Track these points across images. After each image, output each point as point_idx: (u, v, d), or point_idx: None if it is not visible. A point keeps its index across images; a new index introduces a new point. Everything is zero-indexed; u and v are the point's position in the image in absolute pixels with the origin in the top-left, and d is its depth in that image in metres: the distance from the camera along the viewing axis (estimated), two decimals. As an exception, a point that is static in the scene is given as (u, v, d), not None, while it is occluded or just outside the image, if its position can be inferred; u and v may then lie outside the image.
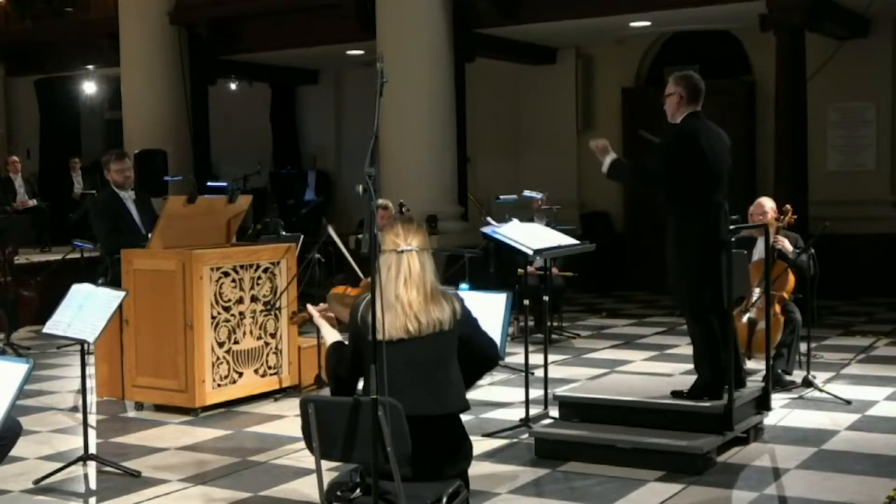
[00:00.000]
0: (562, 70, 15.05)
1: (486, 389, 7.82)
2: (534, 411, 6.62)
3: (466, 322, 3.98)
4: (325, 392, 6.94)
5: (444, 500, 3.74)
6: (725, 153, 5.93)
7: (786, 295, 7.68)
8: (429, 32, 12.25)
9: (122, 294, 5.93)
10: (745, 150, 13.09)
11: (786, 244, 7.65)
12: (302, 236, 8.60)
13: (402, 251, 3.91)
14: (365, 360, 3.83)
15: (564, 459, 5.84)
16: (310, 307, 4.46)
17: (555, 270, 9.64)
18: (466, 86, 13.40)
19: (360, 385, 3.98)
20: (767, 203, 7.85)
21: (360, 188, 3.65)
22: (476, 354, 4.05)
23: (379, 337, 3.60)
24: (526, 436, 6.32)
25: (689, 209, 5.80)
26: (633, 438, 5.77)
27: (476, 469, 5.59)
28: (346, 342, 4.07)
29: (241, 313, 7.45)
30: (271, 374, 7.68)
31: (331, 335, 4.21)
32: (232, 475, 5.80)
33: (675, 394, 6.01)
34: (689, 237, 5.78)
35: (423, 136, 12.24)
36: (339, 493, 3.83)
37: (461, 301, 3.99)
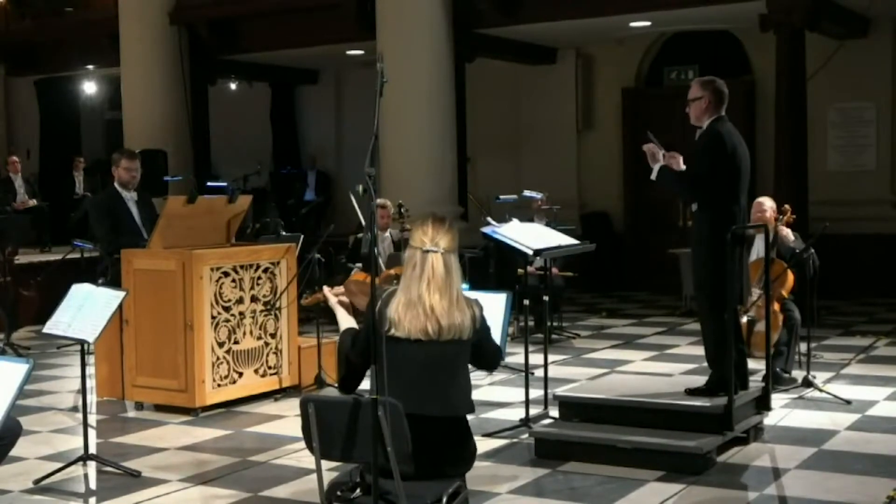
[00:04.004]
0: (562, 70, 15.05)
1: (486, 389, 7.81)
2: (534, 411, 6.62)
3: (482, 329, 3.99)
4: (325, 392, 6.95)
5: (444, 499, 3.75)
6: (748, 155, 6.04)
7: (785, 294, 7.69)
8: (429, 32, 12.25)
9: (122, 294, 5.93)
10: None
11: (787, 233, 7.67)
12: (302, 236, 8.60)
13: (427, 251, 3.88)
14: (373, 355, 3.84)
15: (564, 459, 5.84)
16: (326, 289, 4.40)
17: (555, 270, 9.64)
18: (466, 86, 13.40)
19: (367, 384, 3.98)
20: (767, 202, 7.86)
21: (360, 188, 3.64)
22: (480, 361, 4.07)
23: (384, 333, 3.60)
24: (526, 436, 6.32)
25: (720, 211, 5.88)
26: (633, 438, 5.77)
27: (476, 469, 5.56)
28: (357, 330, 4.05)
29: (241, 313, 7.45)
30: (271, 374, 7.68)
31: (345, 320, 4.17)
32: (232, 475, 5.80)
33: (691, 391, 6.01)
34: (719, 237, 5.81)
35: (423, 136, 12.23)
36: (339, 492, 3.83)
37: (481, 308, 3.98)
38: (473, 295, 4.18)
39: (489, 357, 4.11)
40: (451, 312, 3.85)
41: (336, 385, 4.01)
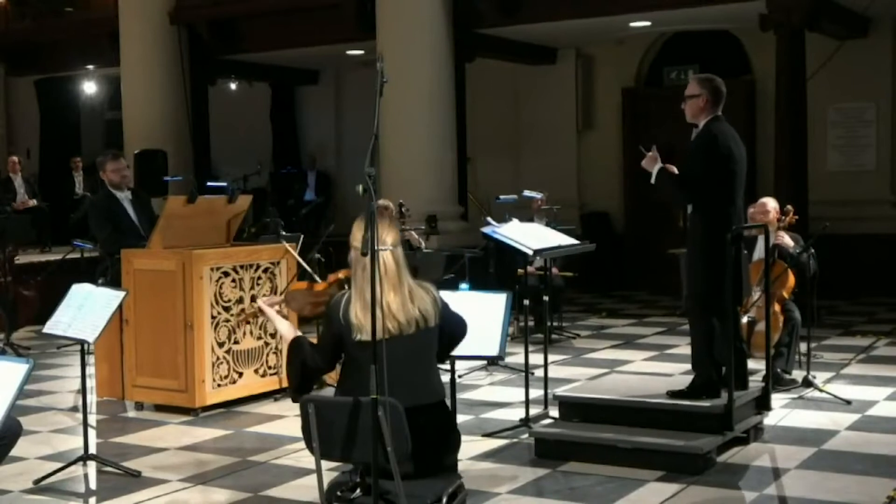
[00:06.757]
0: (562, 70, 15.06)
1: (486, 389, 7.82)
2: (534, 411, 6.62)
3: (443, 310, 4.01)
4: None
5: (444, 499, 3.75)
6: (745, 156, 6.00)
7: (785, 294, 7.69)
8: (429, 32, 12.25)
9: (122, 294, 5.93)
10: (745, 150, 13.08)
11: (786, 239, 7.66)
12: (302, 236, 8.60)
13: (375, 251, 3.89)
14: (348, 359, 3.88)
15: (564, 459, 5.84)
16: (259, 301, 4.44)
17: (555, 270, 9.65)
18: (466, 86, 13.40)
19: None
20: (770, 203, 7.84)
21: (360, 188, 3.64)
22: (452, 337, 4.10)
23: (376, 336, 3.60)
24: (526, 436, 6.31)
25: (715, 212, 5.84)
26: (633, 438, 5.77)
27: (476, 469, 5.59)
28: (305, 337, 4.09)
29: (241, 313, 7.44)
30: (271, 374, 7.68)
31: (287, 329, 4.19)
32: (232, 475, 5.80)
33: (673, 394, 6.01)
34: (717, 237, 5.79)
35: (423, 136, 12.23)
36: (339, 493, 3.83)
37: (436, 289, 4.01)
38: (473, 295, 4.19)
39: (459, 329, 4.11)
40: (405, 307, 3.87)
41: (319, 387, 3.98)
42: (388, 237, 3.91)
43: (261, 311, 4.42)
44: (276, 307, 4.44)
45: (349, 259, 3.97)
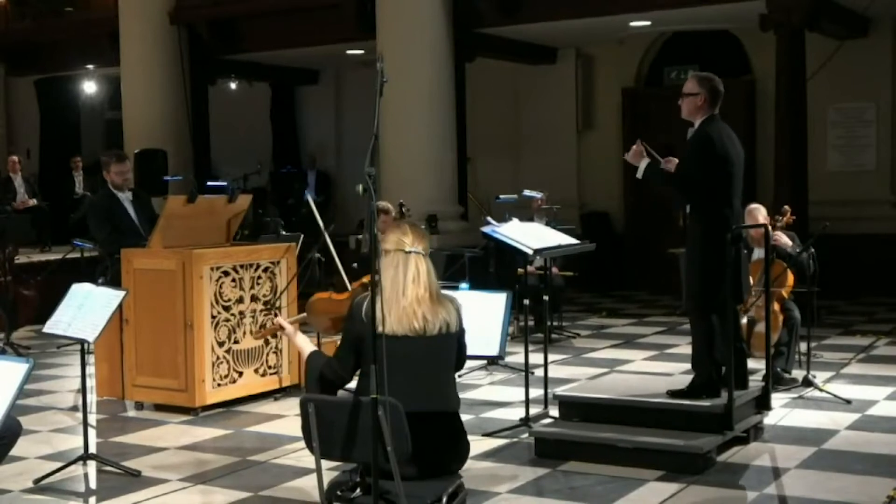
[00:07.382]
0: (562, 70, 15.06)
1: (486, 389, 7.82)
2: (534, 411, 6.62)
3: (462, 327, 4.05)
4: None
5: (444, 499, 3.75)
6: (742, 155, 6.00)
7: (785, 294, 7.69)
8: (429, 32, 12.25)
9: (121, 294, 5.93)
10: (745, 150, 13.01)
11: (784, 239, 7.66)
12: (302, 236, 8.60)
13: (409, 252, 3.95)
14: (367, 357, 3.86)
15: (564, 459, 5.84)
16: (278, 318, 4.49)
17: (555, 270, 9.65)
18: (466, 86, 13.41)
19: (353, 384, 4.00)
20: (761, 211, 7.81)
21: (360, 188, 3.65)
22: (457, 362, 4.12)
23: (385, 332, 3.62)
24: (526, 435, 6.32)
25: (712, 214, 5.84)
26: (633, 438, 5.77)
27: (476, 469, 5.59)
28: (322, 351, 4.13)
29: (241, 313, 7.45)
30: (271, 374, 7.68)
31: (307, 345, 4.25)
32: (232, 475, 5.80)
33: (673, 393, 6.01)
34: (715, 237, 5.79)
35: (423, 136, 12.24)
36: (339, 492, 3.83)
37: (460, 304, 4.05)
38: (473, 295, 4.20)
39: (463, 355, 4.16)
40: (434, 309, 3.91)
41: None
42: (419, 244, 3.99)
43: (281, 328, 4.46)
44: (296, 325, 4.47)
45: (379, 263, 4.00)
